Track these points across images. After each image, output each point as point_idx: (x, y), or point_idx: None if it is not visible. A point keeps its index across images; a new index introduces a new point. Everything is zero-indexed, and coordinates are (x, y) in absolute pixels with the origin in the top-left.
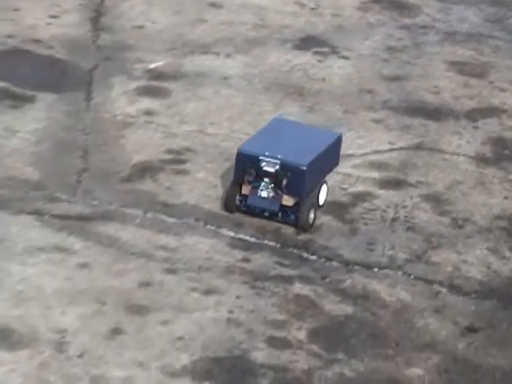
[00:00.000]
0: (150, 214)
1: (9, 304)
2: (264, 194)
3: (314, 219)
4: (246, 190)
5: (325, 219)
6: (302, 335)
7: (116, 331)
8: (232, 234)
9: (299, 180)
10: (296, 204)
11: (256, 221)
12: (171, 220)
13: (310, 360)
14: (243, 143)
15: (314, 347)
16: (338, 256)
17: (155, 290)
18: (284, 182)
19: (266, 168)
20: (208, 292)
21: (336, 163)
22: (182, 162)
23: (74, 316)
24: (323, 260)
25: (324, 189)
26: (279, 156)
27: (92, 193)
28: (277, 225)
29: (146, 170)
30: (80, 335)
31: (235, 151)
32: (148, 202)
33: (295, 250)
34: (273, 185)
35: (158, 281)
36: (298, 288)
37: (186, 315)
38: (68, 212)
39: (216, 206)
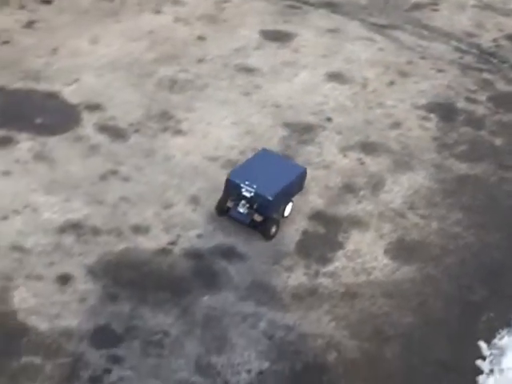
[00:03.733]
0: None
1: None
2: (241, 210)
3: (276, 231)
4: (230, 204)
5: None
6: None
7: None
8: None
9: (266, 205)
10: (264, 220)
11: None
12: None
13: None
14: (232, 171)
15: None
16: None
17: None
18: (255, 205)
19: (244, 193)
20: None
21: (300, 189)
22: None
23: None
24: None
25: (289, 206)
26: (254, 186)
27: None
28: None
29: None
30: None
31: None
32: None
33: None
34: (248, 205)
35: None
36: None
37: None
38: (376, 22)
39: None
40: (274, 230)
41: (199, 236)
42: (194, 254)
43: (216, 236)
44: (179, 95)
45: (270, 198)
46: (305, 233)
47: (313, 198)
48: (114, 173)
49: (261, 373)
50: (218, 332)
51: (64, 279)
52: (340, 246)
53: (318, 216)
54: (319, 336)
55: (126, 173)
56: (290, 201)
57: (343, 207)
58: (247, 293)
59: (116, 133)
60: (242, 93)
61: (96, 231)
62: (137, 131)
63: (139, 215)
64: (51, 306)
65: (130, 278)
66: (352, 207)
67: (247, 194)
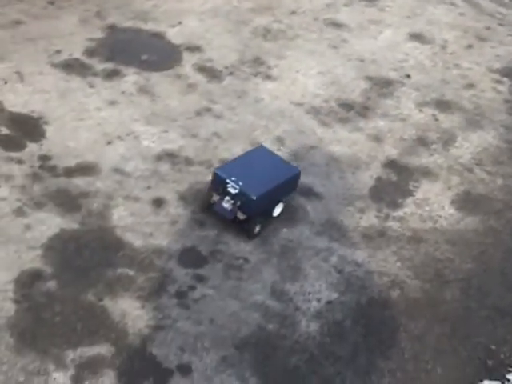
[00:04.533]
0: None
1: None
2: (225, 205)
3: (260, 231)
4: (215, 197)
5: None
6: None
7: None
8: None
9: (249, 205)
10: (247, 219)
11: None
12: None
13: None
14: (221, 165)
15: None
16: None
17: None
18: (239, 202)
19: (229, 189)
20: None
21: (293, 190)
22: None
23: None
24: None
25: (279, 206)
26: (240, 183)
27: None
28: None
29: None
30: None
31: None
32: None
33: None
34: (232, 201)
35: None
36: None
37: None
38: None
39: None
40: (257, 229)
41: None
42: None
43: None
44: (271, 43)
45: (254, 198)
46: (378, 179)
47: (388, 148)
48: (209, 110)
49: (329, 302)
50: (292, 262)
51: (158, 202)
52: (410, 193)
53: (391, 165)
54: (385, 274)
55: (219, 111)
56: (279, 201)
57: (415, 158)
58: (322, 229)
59: (212, 74)
60: (329, 45)
61: (189, 161)
62: (231, 74)
63: (228, 150)
64: (145, 226)
65: None
66: (424, 159)
67: (232, 191)
